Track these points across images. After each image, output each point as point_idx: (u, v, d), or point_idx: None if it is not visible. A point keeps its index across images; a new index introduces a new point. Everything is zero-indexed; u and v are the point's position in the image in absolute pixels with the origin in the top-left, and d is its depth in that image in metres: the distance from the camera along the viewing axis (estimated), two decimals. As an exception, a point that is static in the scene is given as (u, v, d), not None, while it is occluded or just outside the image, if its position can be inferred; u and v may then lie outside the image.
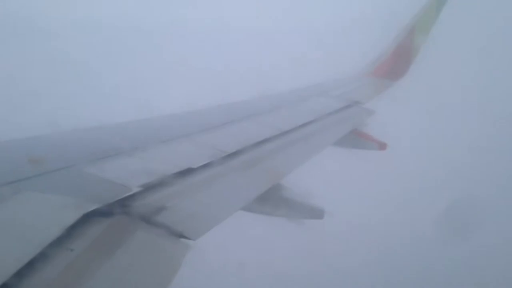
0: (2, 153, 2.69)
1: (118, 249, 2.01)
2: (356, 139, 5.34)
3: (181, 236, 2.24)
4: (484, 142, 13.95)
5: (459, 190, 11.99)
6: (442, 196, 11.87)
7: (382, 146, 5.69)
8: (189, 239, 2.24)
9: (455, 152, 13.80)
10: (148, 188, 2.52)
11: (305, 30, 16.47)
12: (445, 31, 8.22)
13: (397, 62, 7.76)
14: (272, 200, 3.26)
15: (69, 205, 2.13)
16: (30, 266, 1.69)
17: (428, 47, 7.75)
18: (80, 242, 1.92)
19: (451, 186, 12.37)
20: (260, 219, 3.31)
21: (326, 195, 4.17)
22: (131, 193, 2.41)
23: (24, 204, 2.11)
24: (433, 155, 13.80)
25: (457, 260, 10.75)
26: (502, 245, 11.22)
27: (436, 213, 11.34)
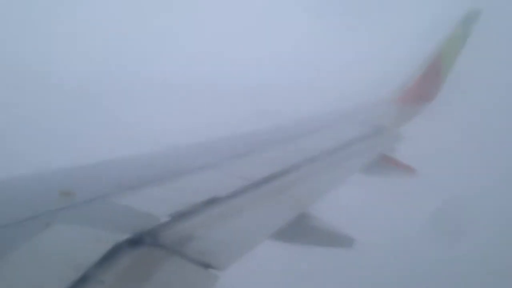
0: (33, 186, 2.76)
1: (147, 279, 2.03)
2: (384, 165, 5.28)
3: (209, 266, 2.24)
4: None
5: (491, 217, 11.66)
6: (472, 222, 11.56)
7: (410, 171, 5.61)
8: (217, 269, 2.24)
9: (485, 177, 13.46)
10: (176, 217, 2.54)
11: (330, 56, 16.51)
12: (473, 55, 8.14)
13: (424, 88, 7.69)
14: (299, 229, 3.23)
15: (99, 237, 2.16)
16: None
17: (456, 73, 7.69)
18: (110, 274, 1.94)
19: (481, 212, 12.04)
20: (287, 248, 3.28)
21: (354, 223, 4.11)
22: (159, 223, 2.43)
23: (55, 237, 2.15)
24: (464, 180, 13.48)
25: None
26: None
27: (467, 239, 11.03)
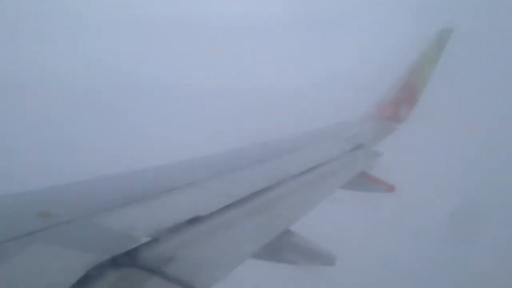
0: (11, 207, 2.68)
1: None
2: (364, 182, 5.32)
3: (191, 287, 2.20)
4: (492, 182, 13.85)
5: (467, 230, 11.81)
6: (450, 235, 11.72)
7: (390, 188, 5.66)
8: None
9: (462, 191, 13.69)
10: (157, 237, 2.49)
11: (308, 73, 16.72)
12: (447, 71, 8.34)
13: (399, 105, 7.82)
14: (282, 247, 3.20)
15: (77, 258, 2.10)
16: None
17: (431, 90, 7.85)
18: None
19: (458, 225, 12.20)
20: (270, 266, 3.24)
21: (336, 240, 4.10)
22: (139, 243, 2.38)
23: (32, 259, 2.08)
24: (442, 195, 13.68)
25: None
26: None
27: (445, 253, 11.15)
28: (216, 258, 2.63)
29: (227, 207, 3.13)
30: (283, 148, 5.16)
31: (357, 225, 10.57)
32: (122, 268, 2.16)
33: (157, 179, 3.60)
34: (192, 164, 4.13)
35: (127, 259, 2.23)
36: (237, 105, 15.08)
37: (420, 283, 11.13)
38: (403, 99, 7.91)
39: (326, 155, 5.11)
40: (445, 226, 12.21)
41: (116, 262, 2.16)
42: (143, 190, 3.11)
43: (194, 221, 2.81)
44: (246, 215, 3.18)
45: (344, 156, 5.38)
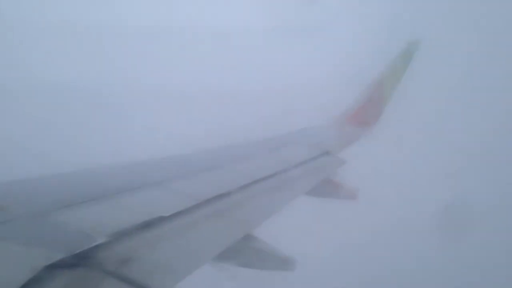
0: None
1: None
2: (328, 188, 5.37)
3: None
4: (457, 189, 14.17)
5: (430, 238, 12.10)
6: (412, 241, 12.00)
7: (353, 195, 5.74)
8: None
9: (425, 200, 13.99)
10: (115, 237, 2.44)
11: (279, 79, 16.80)
12: (415, 81, 8.54)
13: (366, 113, 7.95)
14: (243, 251, 3.20)
15: (29, 256, 2.04)
16: None
17: (398, 98, 8.02)
18: None
19: (422, 233, 12.49)
20: (230, 270, 3.23)
21: (297, 246, 4.13)
22: (96, 243, 2.33)
23: None
24: (404, 202, 13.96)
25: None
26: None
27: (405, 260, 11.38)
28: (174, 260, 2.60)
29: (190, 209, 3.10)
30: (249, 152, 5.16)
31: (318, 231, 10.67)
32: (77, 268, 2.11)
33: (119, 177, 3.54)
34: (157, 164, 4.08)
35: (83, 259, 2.18)
36: (210, 106, 15.03)
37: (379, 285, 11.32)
38: (371, 107, 8.04)
39: (291, 160, 5.14)
40: (407, 234, 12.50)
41: (71, 261, 2.11)
42: (104, 189, 3.05)
43: (155, 221, 2.77)
44: (208, 218, 3.17)
45: (309, 162, 5.42)
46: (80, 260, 2.15)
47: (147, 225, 2.70)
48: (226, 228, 3.21)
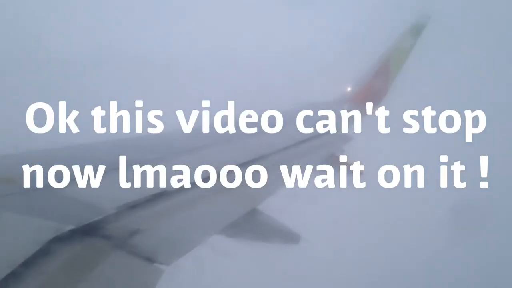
0: None
1: (88, 273, 1.97)
2: (334, 164, 5.39)
3: (154, 260, 2.21)
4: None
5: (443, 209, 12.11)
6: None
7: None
8: (162, 264, 2.21)
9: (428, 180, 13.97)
10: (123, 210, 2.48)
11: (279, 55, 16.61)
12: (421, 59, 8.43)
13: (373, 90, 7.90)
14: (248, 225, 3.24)
15: (39, 227, 2.08)
16: None
17: (405, 72, 7.94)
18: (50, 265, 1.87)
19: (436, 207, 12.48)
20: (235, 244, 3.28)
21: (302, 221, 4.16)
22: (105, 215, 2.37)
23: None
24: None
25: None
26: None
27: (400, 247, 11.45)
28: (181, 233, 2.65)
29: (196, 184, 3.13)
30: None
31: (324, 206, 10.70)
32: (86, 239, 2.15)
33: (126, 151, 3.57)
34: (161, 139, 4.11)
35: (92, 230, 2.23)
36: (214, 71, 14.94)
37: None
38: (378, 84, 7.99)
39: (296, 137, 5.14)
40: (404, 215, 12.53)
41: (80, 232, 2.15)
42: (111, 162, 3.08)
43: (162, 195, 2.81)
44: (214, 193, 3.20)
45: (314, 138, 5.42)
46: (89, 232, 2.20)
47: (155, 198, 2.74)
48: (232, 203, 3.25)
